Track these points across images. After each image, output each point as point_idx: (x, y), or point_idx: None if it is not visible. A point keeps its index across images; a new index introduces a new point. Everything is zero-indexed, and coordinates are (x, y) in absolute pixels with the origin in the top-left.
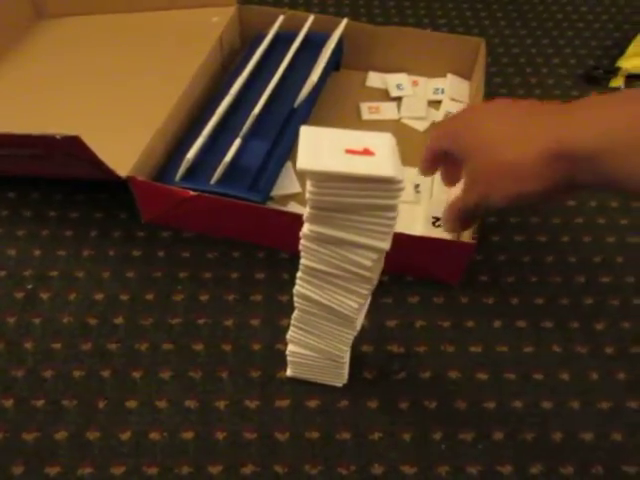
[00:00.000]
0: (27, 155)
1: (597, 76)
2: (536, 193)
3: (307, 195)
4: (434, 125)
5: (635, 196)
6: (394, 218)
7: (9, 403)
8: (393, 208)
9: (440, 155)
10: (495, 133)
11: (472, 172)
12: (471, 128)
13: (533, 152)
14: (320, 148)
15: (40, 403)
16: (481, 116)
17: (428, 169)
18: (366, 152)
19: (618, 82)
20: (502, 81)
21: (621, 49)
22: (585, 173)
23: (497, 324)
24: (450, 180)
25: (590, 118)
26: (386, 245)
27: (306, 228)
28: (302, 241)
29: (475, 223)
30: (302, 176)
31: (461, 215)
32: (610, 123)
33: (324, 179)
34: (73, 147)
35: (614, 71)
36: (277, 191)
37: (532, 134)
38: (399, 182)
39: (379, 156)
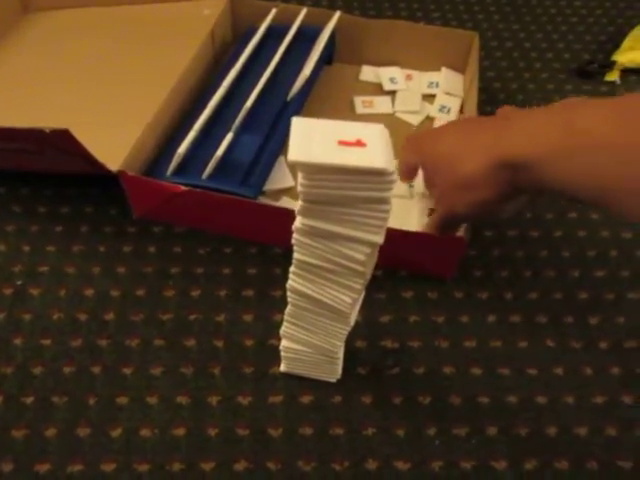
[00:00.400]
0: (16, 149)
1: (592, 70)
2: (489, 200)
3: (299, 188)
4: (407, 138)
5: (573, 201)
6: (387, 211)
7: None
8: (386, 201)
9: (412, 167)
10: (451, 148)
11: (438, 186)
12: (432, 145)
13: (480, 164)
14: (312, 139)
15: (30, 400)
16: (441, 133)
17: (405, 179)
18: (358, 143)
19: (613, 76)
20: (495, 75)
21: (615, 43)
22: (524, 180)
23: (491, 319)
24: (430, 185)
25: (525, 129)
26: (379, 239)
27: (298, 222)
28: (294, 235)
29: (456, 230)
30: (295, 170)
31: (439, 225)
32: (541, 133)
33: (315, 171)
34: (63, 141)
35: (609, 65)
36: (269, 185)
37: (478, 148)
38: (390, 174)
39: (371, 147)
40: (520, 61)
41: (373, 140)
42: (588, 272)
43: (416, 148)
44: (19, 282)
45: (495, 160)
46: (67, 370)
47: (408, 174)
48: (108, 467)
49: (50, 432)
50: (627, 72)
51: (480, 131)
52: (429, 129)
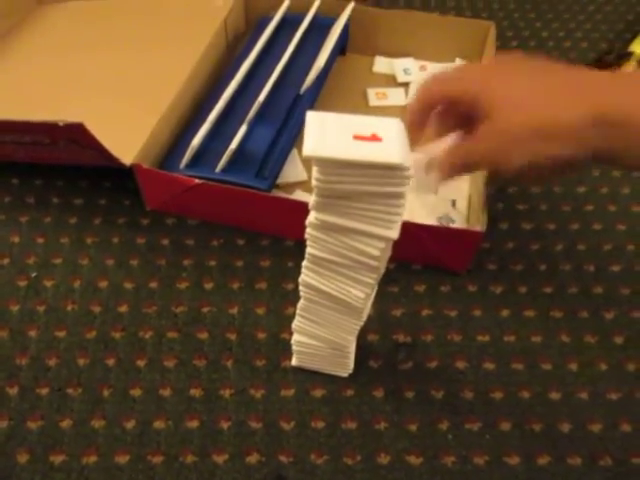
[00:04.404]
0: (30, 142)
1: (609, 60)
2: (563, 157)
3: (313, 182)
4: (432, 75)
5: None
6: (402, 206)
7: (13, 391)
8: (401, 196)
9: (437, 102)
10: (531, 90)
11: (494, 126)
12: (502, 80)
13: (575, 114)
14: (327, 134)
15: (44, 391)
16: (512, 70)
17: (419, 120)
18: (374, 138)
19: (630, 67)
20: None
21: (633, 33)
22: (615, 141)
23: (505, 313)
24: (443, 129)
25: (636, 87)
26: (394, 234)
27: (312, 216)
28: (308, 229)
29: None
30: (308, 163)
31: (459, 165)
32: None
33: (331, 166)
34: (77, 134)
35: (626, 55)
36: (283, 179)
37: (575, 96)
38: (406, 169)
39: (387, 142)
40: (537, 51)
41: (389, 134)
42: (604, 266)
43: (471, 78)
44: (33, 274)
45: (599, 112)
46: (81, 362)
47: (424, 112)
48: (122, 459)
49: (65, 423)
50: None
51: (575, 77)
52: (483, 64)
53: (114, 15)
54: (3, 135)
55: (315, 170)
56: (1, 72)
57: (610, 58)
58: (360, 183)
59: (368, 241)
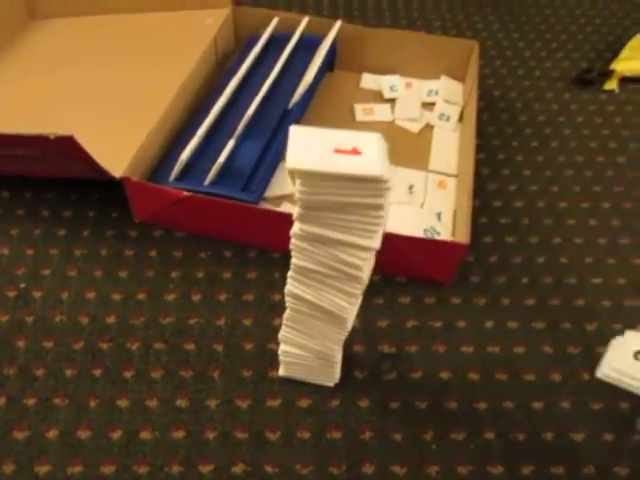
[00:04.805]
0: (20, 155)
1: (590, 79)
2: None
3: (296, 194)
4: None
5: None
6: (382, 217)
7: (1, 401)
8: (381, 207)
9: None
10: None
11: None
12: None
13: None
14: (309, 147)
15: (31, 401)
16: None
17: None
18: (354, 152)
19: (612, 85)
20: (495, 83)
21: (614, 52)
22: None
23: (488, 324)
24: None
25: None
26: (375, 244)
27: (296, 227)
28: (292, 240)
29: None
30: (294, 177)
31: None
32: None
33: (313, 178)
34: (67, 147)
35: (608, 73)
36: (270, 191)
37: None
38: (386, 181)
39: (367, 155)
40: (519, 69)
41: (369, 148)
42: (585, 279)
43: None
44: (22, 285)
45: None
46: (69, 372)
47: None
48: (108, 469)
49: (51, 434)
50: (625, 81)
51: None
52: None
53: (106, 31)
54: None
55: (298, 183)
56: None
57: (592, 76)
58: (341, 195)
59: (351, 251)
